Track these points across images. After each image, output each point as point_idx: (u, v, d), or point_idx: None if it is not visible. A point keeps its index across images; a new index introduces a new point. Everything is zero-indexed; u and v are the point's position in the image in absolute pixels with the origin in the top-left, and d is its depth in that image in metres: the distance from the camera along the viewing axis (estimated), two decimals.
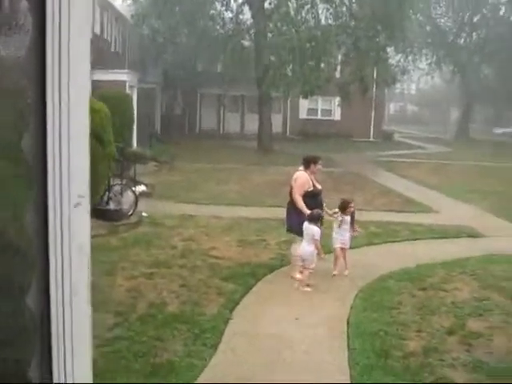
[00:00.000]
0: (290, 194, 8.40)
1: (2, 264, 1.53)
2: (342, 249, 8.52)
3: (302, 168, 8.45)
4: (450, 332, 6.30)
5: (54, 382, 1.55)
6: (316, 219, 7.86)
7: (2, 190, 1.54)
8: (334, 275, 8.38)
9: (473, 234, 11.61)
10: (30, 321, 1.53)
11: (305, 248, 7.80)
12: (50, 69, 1.49)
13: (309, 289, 7.75)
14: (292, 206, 8.31)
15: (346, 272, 8.48)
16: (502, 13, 45.00)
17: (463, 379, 5.18)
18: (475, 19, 46.53)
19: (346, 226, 8.51)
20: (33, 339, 1.56)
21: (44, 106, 1.49)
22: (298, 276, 7.88)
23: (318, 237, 7.77)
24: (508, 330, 6.43)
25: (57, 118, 1.51)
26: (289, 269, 8.46)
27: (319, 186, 8.47)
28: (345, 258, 8.57)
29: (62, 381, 1.56)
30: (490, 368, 5.42)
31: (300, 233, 8.00)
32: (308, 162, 8.43)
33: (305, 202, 8.08)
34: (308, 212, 7.92)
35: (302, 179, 8.29)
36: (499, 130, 59.70)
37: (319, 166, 8.53)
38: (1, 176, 1.54)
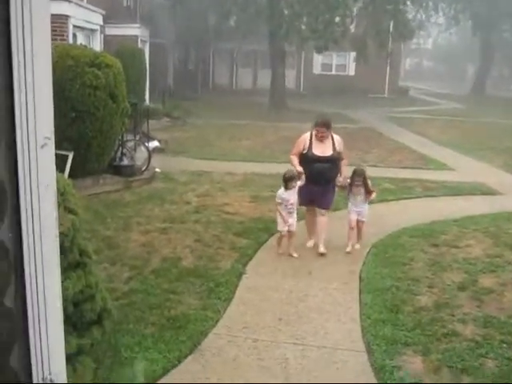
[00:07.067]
0: None
1: None
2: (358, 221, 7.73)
3: None
4: (462, 288, 6.34)
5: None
6: (285, 180, 7.20)
7: None
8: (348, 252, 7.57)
9: (487, 192, 11.56)
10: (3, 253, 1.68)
11: None
12: (13, 22, 1.63)
13: (280, 251, 7.41)
14: None
15: (357, 246, 7.72)
16: None
17: (473, 334, 5.24)
18: None
19: (360, 197, 7.68)
20: (8, 273, 1.72)
21: (10, 57, 1.65)
22: None
23: (278, 199, 7.31)
24: None
25: (22, 68, 1.67)
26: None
27: (321, 153, 7.36)
28: (360, 230, 7.82)
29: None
30: (500, 323, 5.47)
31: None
32: (314, 124, 7.54)
33: (302, 166, 7.32)
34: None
35: (298, 140, 7.62)
36: None
37: (315, 132, 7.40)
38: None
